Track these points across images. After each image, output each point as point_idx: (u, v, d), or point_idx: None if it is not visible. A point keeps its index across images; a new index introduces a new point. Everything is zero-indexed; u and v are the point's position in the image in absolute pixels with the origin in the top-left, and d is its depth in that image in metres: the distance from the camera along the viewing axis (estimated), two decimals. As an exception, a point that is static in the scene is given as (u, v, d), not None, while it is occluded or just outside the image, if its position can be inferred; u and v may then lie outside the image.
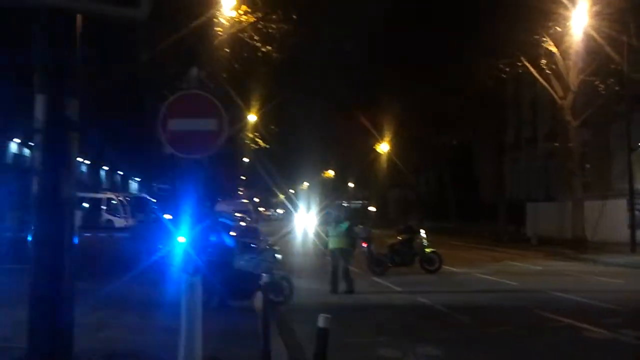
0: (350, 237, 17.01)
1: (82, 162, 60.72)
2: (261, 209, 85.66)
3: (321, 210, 52.05)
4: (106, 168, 67.44)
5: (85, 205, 42.43)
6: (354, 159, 59.37)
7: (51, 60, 2.94)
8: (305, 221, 52.82)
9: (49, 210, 3.12)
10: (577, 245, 28.64)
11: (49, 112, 3.04)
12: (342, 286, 16.02)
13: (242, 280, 12.54)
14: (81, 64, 3.07)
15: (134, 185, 70.74)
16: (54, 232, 3.11)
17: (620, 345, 9.86)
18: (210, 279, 12.20)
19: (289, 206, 71.02)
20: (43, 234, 3.13)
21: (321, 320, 4.19)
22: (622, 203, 29.77)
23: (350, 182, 67.15)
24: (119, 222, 40.59)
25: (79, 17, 2.96)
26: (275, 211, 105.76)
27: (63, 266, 3.08)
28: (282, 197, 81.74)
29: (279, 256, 16.48)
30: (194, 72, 7.81)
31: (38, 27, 2.95)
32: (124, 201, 43.10)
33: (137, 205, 41.03)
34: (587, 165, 36.38)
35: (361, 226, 21.52)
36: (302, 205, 68.54)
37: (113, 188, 61.43)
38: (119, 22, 3.07)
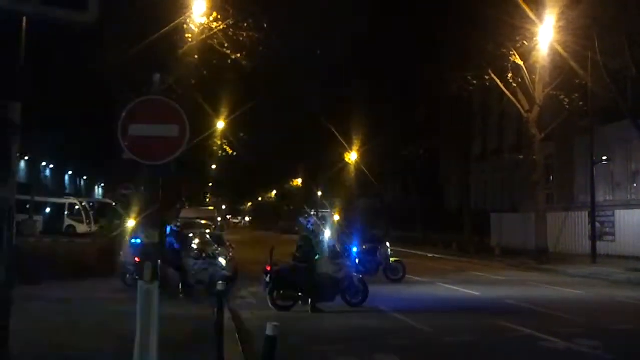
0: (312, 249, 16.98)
1: (46, 166, 59.88)
2: (229, 216, 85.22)
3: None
4: (70, 173, 66.54)
5: (47, 210, 41.90)
6: (322, 167, 59.44)
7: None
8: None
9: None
10: (539, 256, 29.02)
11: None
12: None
13: (325, 284, 13.93)
14: (29, 67, 3.05)
15: (98, 191, 69.87)
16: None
17: (575, 354, 10.02)
18: (298, 284, 13.65)
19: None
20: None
21: (269, 329, 4.20)
22: (584, 215, 30.34)
23: (319, 190, 67.13)
24: (81, 227, 40.10)
25: (24, 20, 2.93)
26: (244, 219, 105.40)
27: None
28: (249, 205, 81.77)
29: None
30: (157, 78, 7.78)
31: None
32: (87, 207, 42.58)
33: (100, 210, 40.56)
34: (551, 178, 37.00)
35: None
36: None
37: (77, 193, 60.64)
38: (67, 26, 3.01)
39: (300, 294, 14.03)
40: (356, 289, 14.51)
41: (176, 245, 16.48)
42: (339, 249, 20.51)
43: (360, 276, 15.03)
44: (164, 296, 14.54)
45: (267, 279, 14.14)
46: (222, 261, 16.99)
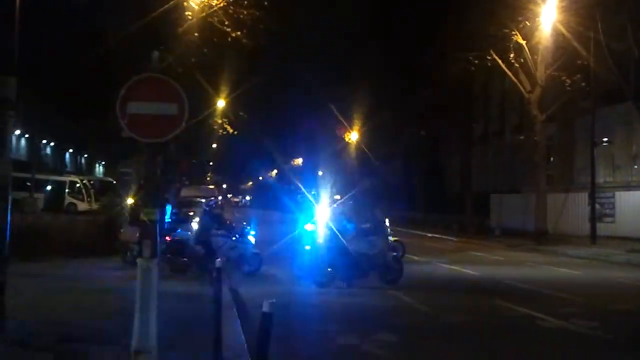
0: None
1: (47, 144, 59.85)
2: (229, 195, 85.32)
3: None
4: (71, 150, 66.54)
5: (48, 188, 41.92)
6: (323, 147, 59.42)
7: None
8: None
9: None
10: (539, 237, 29.11)
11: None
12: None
13: (360, 262, 14.32)
14: (24, 44, 3.02)
15: (99, 169, 69.92)
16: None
17: (571, 334, 10.08)
18: (334, 262, 14.06)
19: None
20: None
21: (266, 305, 4.21)
22: (584, 197, 30.33)
23: (320, 170, 67.14)
24: (81, 205, 40.16)
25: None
26: (244, 198, 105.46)
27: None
28: (250, 184, 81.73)
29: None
30: (155, 56, 7.73)
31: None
32: (88, 184, 42.60)
33: (101, 188, 40.59)
34: (552, 159, 36.94)
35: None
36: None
37: (78, 171, 60.68)
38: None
39: (336, 271, 14.45)
40: (390, 266, 14.85)
41: (208, 224, 16.58)
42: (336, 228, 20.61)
43: (395, 254, 15.49)
44: (191, 274, 14.91)
45: (306, 257, 14.99)
46: (252, 239, 17.03)
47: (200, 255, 15.79)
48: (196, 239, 16.30)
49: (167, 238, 16.16)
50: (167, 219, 17.67)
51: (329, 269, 14.49)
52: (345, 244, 14.68)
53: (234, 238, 16.61)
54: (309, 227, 16.93)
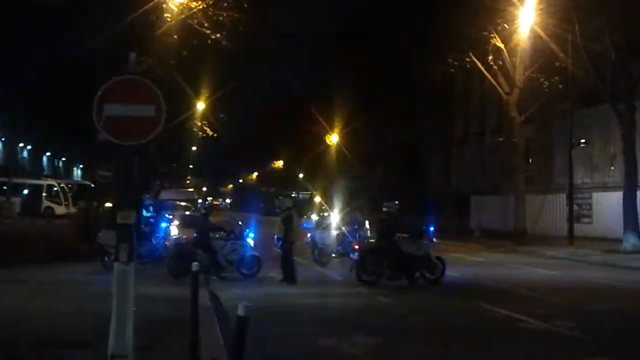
0: (291, 227, 16.88)
1: (24, 147, 59.18)
2: (209, 198, 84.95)
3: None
4: (48, 154, 65.84)
5: (25, 191, 41.47)
6: (303, 149, 59.37)
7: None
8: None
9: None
10: (517, 238, 29.29)
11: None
12: (279, 275, 16.21)
13: (407, 262, 15.32)
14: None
15: (77, 172, 69.27)
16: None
17: (552, 334, 10.13)
18: (378, 261, 14.94)
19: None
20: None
21: (241, 309, 4.17)
22: (562, 198, 30.60)
23: (300, 172, 67.10)
24: (59, 209, 39.76)
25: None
26: (224, 201, 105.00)
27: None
28: (230, 187, 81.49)
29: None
30: (133, 57, 7.66)
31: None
32: (66, 188, 42.19)
33: (79, 192, 40.23)
34: (531, 160, 37.22)
35: (306, 217, 21.60)
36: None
37: (55, 174, 60.05)
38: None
39: (384, 270, 15.35)
40: (434, 267, 15.72)
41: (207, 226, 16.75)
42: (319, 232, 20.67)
43: (438, 256, 16.12)
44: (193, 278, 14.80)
45: (356, 256, 15.73)
46: (250, 241, 17.01)
47: (201, 258, 15.77)
48: (196, 242, 16.24)
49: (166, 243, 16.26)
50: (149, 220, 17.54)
51: (377, 268, 15.37)
52: (397, 245, 15.62)
53: (233, 241, 16.60)
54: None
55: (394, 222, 16.36)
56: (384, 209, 16.83)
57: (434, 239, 16.84)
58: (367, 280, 15.32)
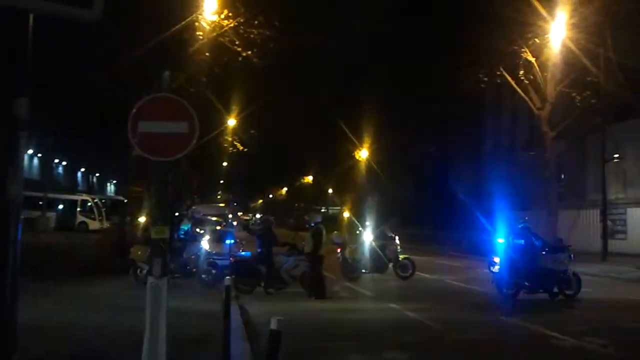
0: (320, 242, 16.88)
1: (59, 163, 60.27)
2: (240, 213, 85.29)
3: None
4: (83, 170, 66.93)
5: (60, 206, 42.23)
6: (333, 165, 59.41)
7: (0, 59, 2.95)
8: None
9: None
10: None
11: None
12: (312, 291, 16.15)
13: (545, 276, 15.69)
14: (36, 64, 3.09)
15: (111, 188, 70.26)
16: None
17: (585, 352, 10.00)
18: (516, 274, 15.70)
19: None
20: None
21: (274, 323, 4.22)
22: (596, 213, 30.18)
23: (329, 188, 67.11)
24: (93, 224, 40.40)
25: (31, 17, 2.97)
26: (254, 216, 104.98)
27: (7, 262, 3.08)
28: (260, 202, 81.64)
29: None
30: (166, 76, 7.82)
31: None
32: (99, 203, 42.87)
33: (112, 207, 40.86)
34: (563, 176, 36.81)
35: (336, 232, 21.64)
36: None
37: (89, 190, 60.99)
38: (72, 22, 3.04)
39: (525, 283, 15.77)
40: (571, 281, 16.06)
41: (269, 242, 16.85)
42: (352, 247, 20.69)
43: (574, 271, 16.40)
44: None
45: (496, 270, 16.61)
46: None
47: (265, 274, 15.93)
48: (258, 258, 16.41)
49: (231, 258, 16.52)
50: (180, 235, 17.69)
51: (518, 281, 15.80)
52: (538, 259, 15.93)
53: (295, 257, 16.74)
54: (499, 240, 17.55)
55: (535, 237, 16.53)
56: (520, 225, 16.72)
57: (572, 255, 16.78)
58: (507, 294, 15.85)
